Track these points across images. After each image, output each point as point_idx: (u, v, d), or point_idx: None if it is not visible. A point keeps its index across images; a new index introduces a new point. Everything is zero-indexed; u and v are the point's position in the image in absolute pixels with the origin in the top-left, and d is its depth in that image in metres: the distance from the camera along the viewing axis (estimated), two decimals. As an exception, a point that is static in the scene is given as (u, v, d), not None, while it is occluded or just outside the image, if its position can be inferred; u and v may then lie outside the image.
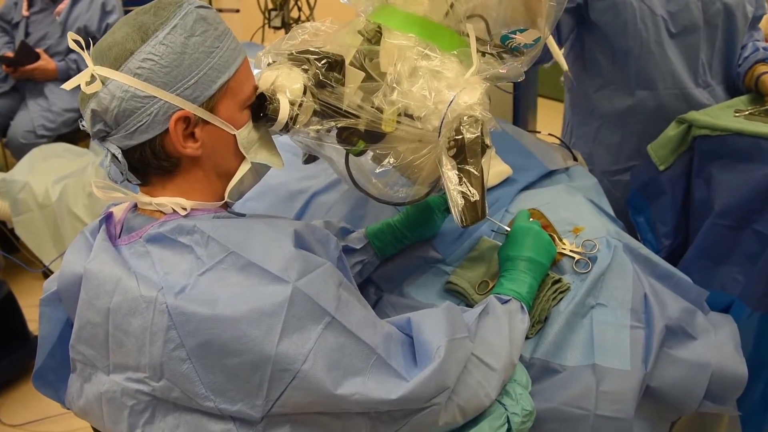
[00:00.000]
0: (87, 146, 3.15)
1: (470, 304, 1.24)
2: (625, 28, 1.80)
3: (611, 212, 1.52)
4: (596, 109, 1.98)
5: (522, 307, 1.13)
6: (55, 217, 2.78)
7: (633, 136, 1.92)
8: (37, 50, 3.12)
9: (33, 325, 2.49)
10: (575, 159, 1.69)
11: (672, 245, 1.78)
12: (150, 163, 0.95)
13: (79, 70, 3.07)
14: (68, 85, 0.92)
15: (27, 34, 3.21)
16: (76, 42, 0.94)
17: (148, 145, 0.93)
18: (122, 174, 0.97)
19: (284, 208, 1.57)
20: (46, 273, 3.01)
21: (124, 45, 0.91)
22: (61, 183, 2.79)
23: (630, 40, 1.81)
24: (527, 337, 1.17)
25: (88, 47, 0.95)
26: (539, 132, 1.98)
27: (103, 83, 0.90)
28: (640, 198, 1.84)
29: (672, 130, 1.74)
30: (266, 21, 3.16)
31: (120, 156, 0.94)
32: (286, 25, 3.09)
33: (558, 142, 1.84)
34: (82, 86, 0.91)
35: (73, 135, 3.22)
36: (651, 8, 1.78)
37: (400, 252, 1.37)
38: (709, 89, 1.86)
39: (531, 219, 1.31)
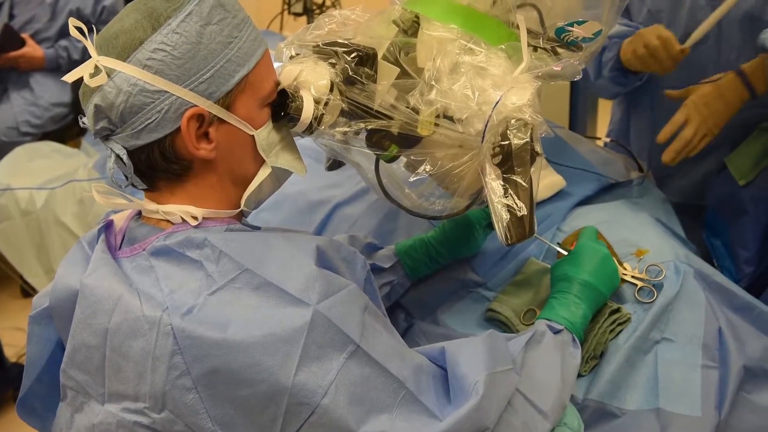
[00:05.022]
0: (77, 146, 3.19)
1: (515, 336, 1.26)
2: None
3: (682, 233, 1.53)
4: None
5: (574, 339, 1.14)
6: (39, 226, 2.81)
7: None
8: (23, 35, 3.15)
9: (10, 351, 2.53)
10: (641, 170, 1.70)
11: (755, 273, 1.75)
12: (158, 165, 0.98)
13: (70, 59, 3.14)
14: (70, 77, 0.95)
15: (11, 17, 3.25)
16: (78, 29, 0.96)
17: (157, 146, 0.97)
18: (127, 178, 1.00)
19: (303, 220, 1.59)
20: (27, 291, 3.06)
21: (132, 33, 0.94)
22: (47, 188, 2.82)
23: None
24: (580, 375, 1.18)
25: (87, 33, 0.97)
26: (599, 138, 1.99)
27: (108, 75, 0.94)
28: (716, 218, 1.82)
29: (755, 139, 1.72)
30: (286, 6, 3.21)
31: (125, 157, 0.97)
32: (309, 12, 3.14)
33: (622, 149, 1.85)
34: (85, 78, 0.94)
35: (62, 133, 3.26)
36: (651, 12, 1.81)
37: (435, 273, 1.39)
38: None
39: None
